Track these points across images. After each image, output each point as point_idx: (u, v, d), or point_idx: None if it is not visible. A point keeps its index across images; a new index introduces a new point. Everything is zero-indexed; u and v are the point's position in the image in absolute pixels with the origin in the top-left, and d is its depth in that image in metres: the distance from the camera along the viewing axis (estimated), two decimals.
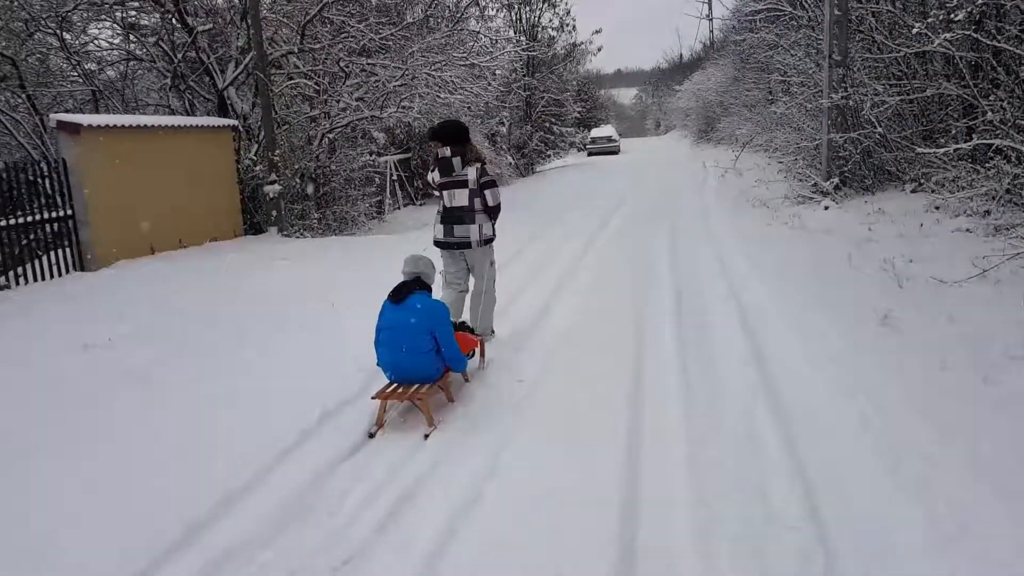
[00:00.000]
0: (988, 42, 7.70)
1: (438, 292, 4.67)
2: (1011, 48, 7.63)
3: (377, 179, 17.67)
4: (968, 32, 7.61)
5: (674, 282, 6.93)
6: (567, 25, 27.65)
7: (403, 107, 12.97)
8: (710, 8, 33.72)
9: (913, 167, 9.18)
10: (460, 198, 5.01)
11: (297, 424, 3.96)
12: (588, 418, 3.96)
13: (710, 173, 18.60)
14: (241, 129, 12.59)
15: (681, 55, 55.79)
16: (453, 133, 5.04)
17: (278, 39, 13.35)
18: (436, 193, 5.19)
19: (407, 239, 10.88)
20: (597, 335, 5.47)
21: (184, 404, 4.43)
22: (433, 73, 13.59)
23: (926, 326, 4.68)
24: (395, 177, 19.30)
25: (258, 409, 4.26)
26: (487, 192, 5.03)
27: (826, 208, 9.25)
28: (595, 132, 37.33)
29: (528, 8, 26.37)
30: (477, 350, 4.83)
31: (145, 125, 9.90)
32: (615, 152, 35.81)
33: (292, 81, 12.55)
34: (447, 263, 5.25)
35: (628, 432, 3.76)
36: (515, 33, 25.55)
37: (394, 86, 12.78)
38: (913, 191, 9.02)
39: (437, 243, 5.20)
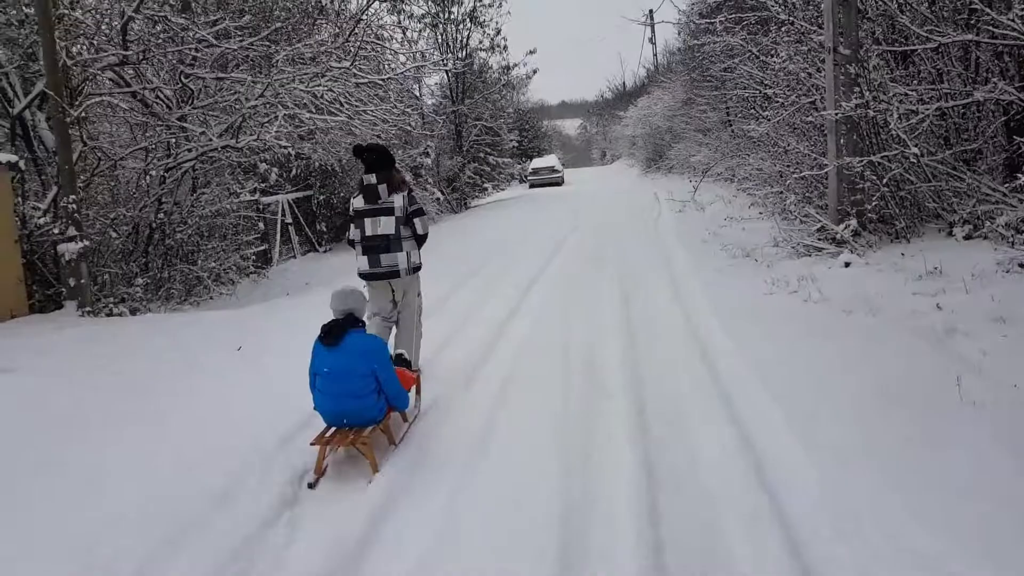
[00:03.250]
0: None
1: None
2: None
3: (262, 224, 14.38)
4: None
5: (634, 430, 3.84)
6: (498, 46, 24.95)
7: (263, 129, 9.81)
8: (652, 31, 31.68)
9: (964, 202, 6.42)
10: (386, 226, 4.74)
11: None
12: None
13: (664, 207, 15.85)
14: (33, 167, 9.26)
15: (624, 83, 53.88)
16: (378, 158, 4.76)
17: (103, 46, 10.10)
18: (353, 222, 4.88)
19: (250, 315, 7.68)
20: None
21: None
22: (311, 89, 10.53)
23: None
24: (290, 220, 16.04)
25: None
26: (416, 221, 4.84)
27: (847, 264, 6.37)
28: (536, 163, 34.48)
29: (455, 27, 23.64)
30: (414, 388, 4.43)
31: None
32: (559, 183, 33.05)
33: (97, 99, 9.22)
34: (373, 295, 4.92)
35: None
36: (440, 54, 22.72)
37: (250, 106, 9.60)
38: (967, 237, 6.26)
39: (363, 275, 4.88)
